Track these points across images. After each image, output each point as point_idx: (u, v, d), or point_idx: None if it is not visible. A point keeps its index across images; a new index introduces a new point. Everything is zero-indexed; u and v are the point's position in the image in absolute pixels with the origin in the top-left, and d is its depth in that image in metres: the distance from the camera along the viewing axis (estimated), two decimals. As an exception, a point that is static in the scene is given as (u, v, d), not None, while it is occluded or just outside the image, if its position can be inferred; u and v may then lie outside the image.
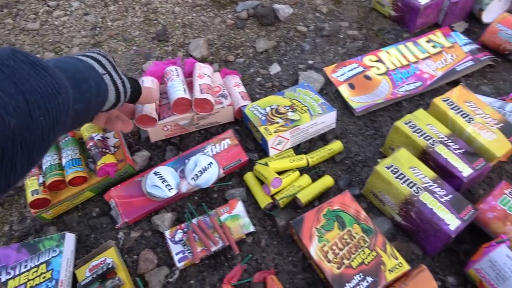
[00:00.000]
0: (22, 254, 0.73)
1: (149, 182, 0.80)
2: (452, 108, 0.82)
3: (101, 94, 0.56)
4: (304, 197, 0.79)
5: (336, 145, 0.87)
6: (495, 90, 0.98)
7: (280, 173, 0.83)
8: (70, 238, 0.75)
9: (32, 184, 0.77)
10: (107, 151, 0.81)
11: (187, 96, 0.84)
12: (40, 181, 0.78)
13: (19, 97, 0.35)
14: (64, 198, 0.79)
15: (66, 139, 0.82)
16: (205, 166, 0.81)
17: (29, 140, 0.37)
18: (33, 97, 0.37)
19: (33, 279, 0.69)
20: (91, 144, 0.81)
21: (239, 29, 1.18)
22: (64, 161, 0.79)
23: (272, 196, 0.81)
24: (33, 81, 0.38)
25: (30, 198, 0.75)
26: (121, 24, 1.23)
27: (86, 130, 0.84)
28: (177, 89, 0.85)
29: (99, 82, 0.55)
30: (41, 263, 0.71)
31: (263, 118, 0.87)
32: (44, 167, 0.79)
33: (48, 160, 0.79)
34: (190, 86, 0.90)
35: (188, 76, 0.93)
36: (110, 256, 0.72)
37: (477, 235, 0.72)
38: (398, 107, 0.96)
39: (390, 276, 0.65)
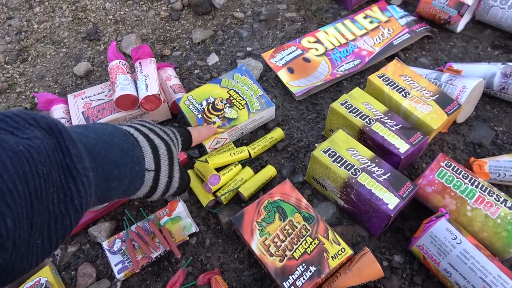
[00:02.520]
0: None
1: (81, 192, 0.75)
2: (387, 84, 0.81)
3: (129, 192, 0.48)
4: (246, 190, 0.76)
5: (277, 133, 0.84)
6: (434, 61, 0.98)
7: (222, 168, 0.80)
8: None
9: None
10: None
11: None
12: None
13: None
14: None
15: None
16: (141, 169, 0.77)
17: None
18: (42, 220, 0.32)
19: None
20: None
21: (174, 21, 1.13)
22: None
23: (214, 193, 0.78)
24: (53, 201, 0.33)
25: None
26: (48, 26, 1.15)
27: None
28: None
29: (135, 180, 0.47)
30: (-33, 293, 0.66)
31: (199, 116, 0.83)
32: None
33: None
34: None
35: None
36: (45, 276, 0.68)
37: (421, 211, 0.72)
38: (339, 88, 0.94)
39: (333, 263, 0.64)
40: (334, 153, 0.71)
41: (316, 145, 0.75)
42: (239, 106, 0.84)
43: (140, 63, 0.87)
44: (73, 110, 0.85)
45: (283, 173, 0.81)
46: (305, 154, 0.84)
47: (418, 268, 0.68)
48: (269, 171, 0.79)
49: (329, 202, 0.76)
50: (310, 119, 0.89)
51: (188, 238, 0.73)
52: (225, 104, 0.84)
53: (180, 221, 0.74)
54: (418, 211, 0.72)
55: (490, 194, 0.65)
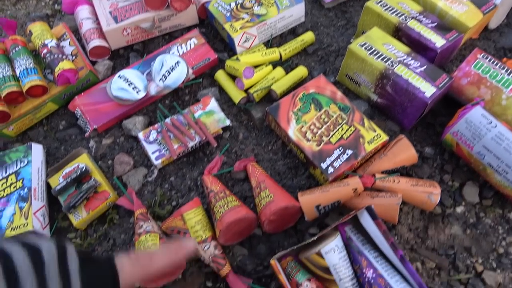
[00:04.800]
0: (-12, 168, 0.69)
1: (114, 86, 0.75)
2: (423, -16, 0.79)
3: None
4: (278, 88, 0.76)
5: (307, 36, 0.83)
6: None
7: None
8: (37, 149, 0.71)
9: (-14, 98, 0.71)
10: (64, 57, 0.75)
11: None
12: (-5, 94, 0.72)
13: None
14: (25, 112, 0.74)
15: (17, 48, 0.76)
16: (172, 65, 0.77)
17: None
18: None
19: (3, 190, 0.66)
20: (45, 51, 0.75)
21: None
22: (18, 71, 0.73)
23: (246, 91, 0.78)
24: None
25: (-14, 111, 0.70)
26: None
27: (38, 38, 0.77)
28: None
29: None
30: (10, 174, 0.67)
31: (228, 14, 0.82)
32: (-4, 79, 0.73)
33: (0, 72, 0.73)
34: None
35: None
36: (83, 162, 0.69)
37: (452, 108, 0.73)
38: (368, -3, 0.93)
39: (369, 147, 0.65)
40: (370, 47, 0.71)
41: (351, 40, 0.75)
42: (268, 4, 0.82)
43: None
44: (100, 10, 0.84)
45: (314, 75, 0.81)
46: (336, 57, 0.83)
47: (448, 158, 0.70)
48: (300, 71, 0.79)
49: (361, 100, 0.77)
50: (340, 26, 0.88)
51: (221, 132, 0.74)
52: (253, 3, 0.83)
53: (214, 114, 0.74)
54: (449, 108, 0.73)
55: (526, 84, 0.66)
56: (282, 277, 0.54)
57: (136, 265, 0.36)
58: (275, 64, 0.81)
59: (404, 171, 0.69)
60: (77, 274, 0.32)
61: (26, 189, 0.65)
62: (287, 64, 0.82)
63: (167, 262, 0.39)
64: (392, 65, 0.68)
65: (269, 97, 0.79)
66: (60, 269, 0.31)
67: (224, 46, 0.86)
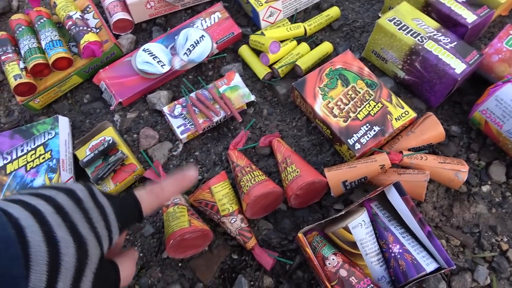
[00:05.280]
0: (16, 140, 0.69)
1: (139, 59, 0.75)
2: (454, -42, 0.77)
3: None
4: (304, 63, 0.76)
5: (333, 11, 0.82)
6: None
7: (276, 43, 0.79)
8: (64, 121, 0.72)
9: (12, 69, 0.72)
10: (89, 29, 0.75)
11: None
12: (21, 66, 0.72)
13: None
14: (51, 84, 0.75)
15: (42, 20, 0.75)
16: (197, 39, 0.76)
17: None
18: None
19: (32, 161, 0.67)
20: (70, 23, 0.75)
21: None
22: (43, 43, 0.73)
23: (270, 66, 0.77)
24: None
25: (13, 83, 0.70)
26: None
27: (62, 10, 0.76)
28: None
29: None
30: (38, 146, 0.68)
31: (252, -12, 0.80)
32: (22, 51, 0.73)
33: (26, 44, 0.73)
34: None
35: None
36: (109, 135, 0.70)
37: (479, 87, 0.71)
38: (394, -29, 0.90)
39: (396, 124, 0.65)
40: (399, 21, 0.69)
41: (379, 14, 0.73)
42: (294, -22, 0.81)
43: None
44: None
45: (339, 51, 0.79)
46: (361, 34, 0.82)
47: (475, 137, 0.70)
48: (325, 47, 0.78)
49: (387, 77, 0.76)
50: (366, 1, 0.86)
51: (246, 107, 0.74)
52: (280, -23, 0.81)
53: (238, 89, 0.74)
54: (476, 87, 0.72)
55: (560, 62, 0.65)
56: (309, 251, 0.55)
57: (152, 195, 0.41)
58: (299, 39, 0.80)
59: (431, 149, 0.68)
60: (108, 205, 0.36)
61: (54, 161, 0.66)
62: (311, 40, 0.81)
63: (176, 189, 0.43)
64: (422, 41, 0.67)
65: (293, 73, 0.78)
66: (94, 202, 0.34)
67: (247, 21, 0.85)
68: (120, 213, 0.36)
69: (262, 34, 0.77)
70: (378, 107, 0.66)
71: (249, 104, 0.75)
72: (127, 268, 0.39)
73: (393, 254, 0.55)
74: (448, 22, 0.71)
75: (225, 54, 0.80)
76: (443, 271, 0.53)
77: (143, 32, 0.85)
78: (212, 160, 0.70)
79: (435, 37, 0.68)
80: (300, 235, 0.55)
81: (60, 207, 0.31)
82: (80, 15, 0.76)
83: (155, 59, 0.75)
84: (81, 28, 0.74)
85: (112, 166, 0.66)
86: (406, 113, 0.66)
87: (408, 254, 0.55)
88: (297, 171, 0.61)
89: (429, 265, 0.53)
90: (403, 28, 0.69)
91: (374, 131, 0.64)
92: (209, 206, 0.61)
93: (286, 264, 0.62)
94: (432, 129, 0.64)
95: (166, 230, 0.59)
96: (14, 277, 0.26)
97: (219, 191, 0.61)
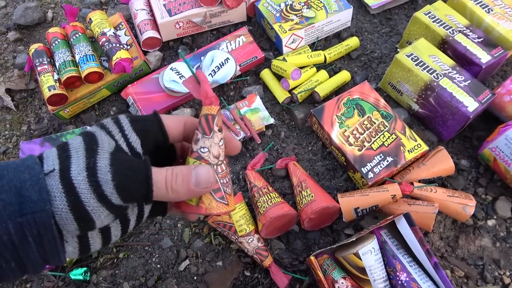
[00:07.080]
0: (46, 147, 0.73)
1: (166, 77, 0.79)
2: (472, -1, 0.80)
3: (25, 211, 0.29)
4: (322, 91, 0.79)
5: (352, 41, 0.86)
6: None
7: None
8: (92, 132, 0.76)
9: (47, 80, 0.76)
10: (121, 46, 0.79)
11: None
12: (55, 77, 0.77)
13: None
14: (81, 96, 0.79)
15: (77, 35, 0.80)
16: (222, 61, 0.80)
17: None
18: None
19: (61, 169, 0.71)
20: (104, 40, 0.79)
21: None
22: (77, 57, 0.78)
23: (290, 91, 0.81)
24: None
25: (47, 93, 0.74)
26: None
27: (97, 26, 0.81)
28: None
29: (23, 189, 0.29)
30: (67, 155, 0.72)
31: (278, 15, 0.84)
32: (57, 64, 0.78)
33: (61, 57, 0.78)
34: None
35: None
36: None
37: (490, 123, 0.75)
38: (413, 5, 0.94)
39: (409, 156, 0.68)
40: (416, 57, 0.73)
41: (398, 49, 0.77)
42: (316, 7, 0.85)
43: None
44: (155, 2, 0.87)
45: (356, 80, 0.83)
46: (378, 64, 0.85)
47: (483, 172, 0.72)
48: (344, 75, 0.82)
49: (401, 108, 0.79)
50: (384, 33, 0.90)
51: (265, 129, 0.78)
52: (303, 5, 0.85)
53: (259, 112, 0.78)
54: (487, 123, 0.75)
55: None
56: (320, 274, 0.58)
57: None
58: (318, 66, 0.84)
59: (440, 181, 0.71)
60: (129, 126, 0.36)
61: (82, 170, 0.70)
62: (330, 68, 0.85)
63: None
64: (437, 78, 0.70)
65: (311, 99, 0.81)
66: (117, 125, 0.36)
67: (269, 45, 0.89)
68: (140, 132, 0.37)
69: (284, 59, 0.81)
70: (392, 138, 0.69)
71: (267, 126, 0.79)
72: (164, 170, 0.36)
73: (400, 282, 0.58)
74: (463, 60, 0.74)
75: (248, 77, 0.84)
76: (447, 301, 0.55)
77: (170, 49, 0.89)
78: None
79: (450, 74, 0.71)
80: (312, 258, 0.58)
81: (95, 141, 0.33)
82: (113, 32, 0.81)
83: (181, 78, 0.79)
84: (114, 45, 0.78)
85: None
86: (419, 145, 0.69)
87: (415, 283, 0.57)
88: (312, 196, 0.64)
89: (434, 295, 0.56)
90: (420, 64, 0.72)
91: (387, 161, 0.67)
92: (227, 227, 0.64)
93: (296, 285, 0.65)
94: (443, 163, 0.67)
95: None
96: (27, 165, 0.30)
97: (237, 213, 0.64)
